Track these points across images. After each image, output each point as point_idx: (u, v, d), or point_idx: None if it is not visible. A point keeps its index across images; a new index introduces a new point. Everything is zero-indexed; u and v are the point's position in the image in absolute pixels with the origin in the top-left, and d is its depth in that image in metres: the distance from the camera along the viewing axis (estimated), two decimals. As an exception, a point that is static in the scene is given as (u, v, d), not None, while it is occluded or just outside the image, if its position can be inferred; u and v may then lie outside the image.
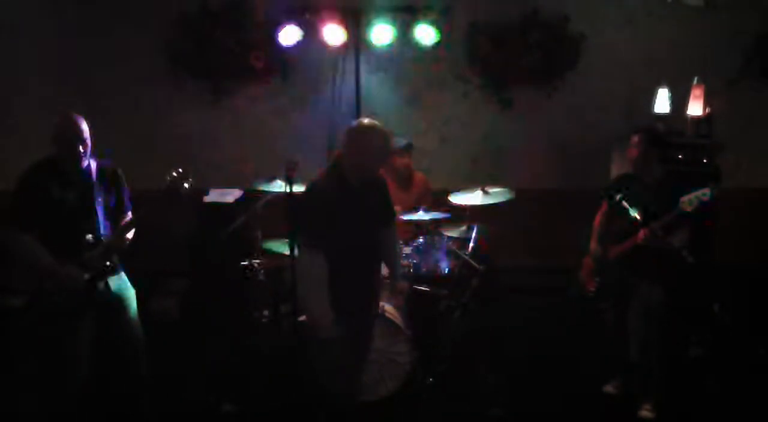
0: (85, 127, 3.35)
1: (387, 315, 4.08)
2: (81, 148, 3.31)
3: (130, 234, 3.53)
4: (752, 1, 5.77)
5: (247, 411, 4.07)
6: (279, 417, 4.03)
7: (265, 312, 4.68)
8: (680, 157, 4.97)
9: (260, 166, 5.27)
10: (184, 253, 5.51)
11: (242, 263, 4.70)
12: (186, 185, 3.43)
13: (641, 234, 3.86)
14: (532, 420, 4.13)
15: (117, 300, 3.49)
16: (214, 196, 5.29)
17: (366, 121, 3.33)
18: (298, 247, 3.34)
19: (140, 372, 3.58)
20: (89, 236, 3.36)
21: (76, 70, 5.77)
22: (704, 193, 3.73)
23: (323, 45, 5.56)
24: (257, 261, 4.68)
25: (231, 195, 5.29)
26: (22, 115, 5.77)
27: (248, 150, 5.94)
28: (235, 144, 5.98)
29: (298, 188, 3.49)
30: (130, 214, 3.59)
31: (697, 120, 5.08)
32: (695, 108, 5.09)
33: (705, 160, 4.96)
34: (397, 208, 4.33)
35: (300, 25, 5.39)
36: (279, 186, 4.51)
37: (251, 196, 4.98)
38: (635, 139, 4.03)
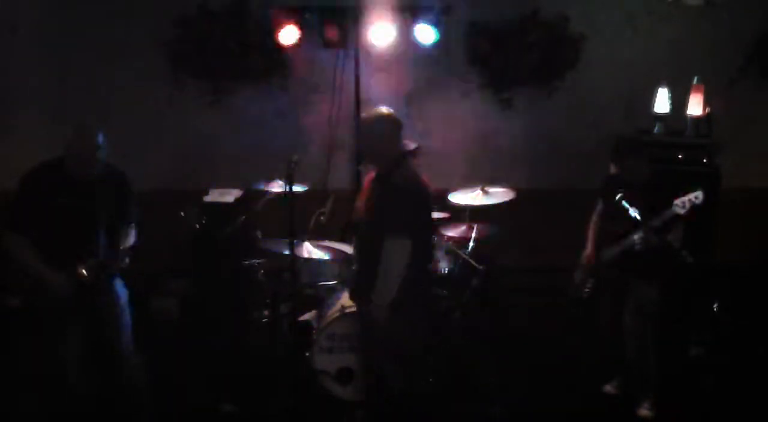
0: (100, 142, 3.28)
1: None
2: (91, 164, 3.27)
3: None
4: (752, 1, 5.77)
5: (247, 411, 4.07)
6: (279, 417, 4.03)
7: (265, 312, 4.68)
8: (680, 157, 4.97)
9: (260, 166, 5.26)
10: (184, 253, 5.51)
11: (242, 263, 4.71)
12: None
13: (636, 240, 3.86)
14: (532, 420, 4.13)
15: (106, 308, 3.46)
16: (214, 195, 5.30)
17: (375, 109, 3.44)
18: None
19: (131, 381, 3.56)
20: (91, 246, 3.33)
21: (76, 70, 5.77)
22: (696, 196, 3.74)
23: (323, 45, 5.56)
24: (257, 261, 4.68)
25: (231, 195, 5.30)
26: (22, 115, 5.77)
27: (248, 150, 5.94)
28: (235, 144, 5.98)
29: (298, 188, 3.49)
30: (133, 228, 3.57)
31: (697, 120, 5.08)
32: (695, 108, 5.08)
33: (705, 160, 4.96)
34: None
35: (300, 25, 5.39)
36: (279, 186, 4.52)
37: (251, 196, 4.98)
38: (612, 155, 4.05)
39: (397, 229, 3.20)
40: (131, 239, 3.58)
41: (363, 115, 3.48)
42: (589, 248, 4.21)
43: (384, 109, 3.41)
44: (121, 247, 3.48)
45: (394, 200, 3.25)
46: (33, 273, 3.28)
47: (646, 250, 3.85)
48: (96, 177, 3.34)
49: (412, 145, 4.90)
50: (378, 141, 3.34)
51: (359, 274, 3.52)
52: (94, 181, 3.33)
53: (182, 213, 3.50)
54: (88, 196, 3.32)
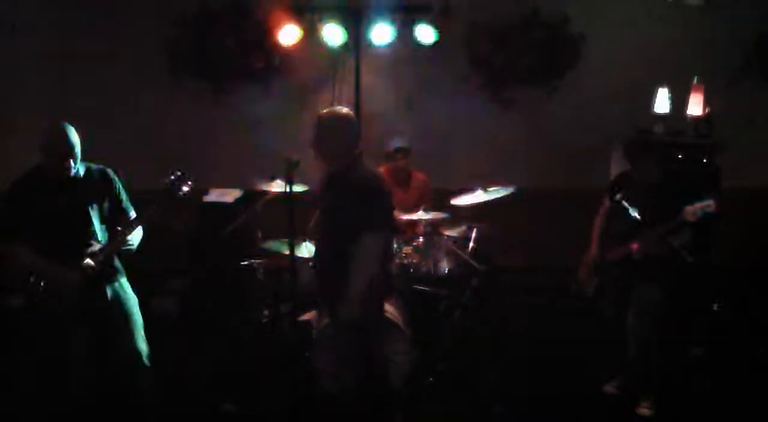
0: (74, 139, 3.27)
1: (387, 314, 4.07)
2: (69, 161, 3.25)
3: (134, 235, 3.46)
4: (752, 1, 5.77)
5: (247, 411, 4.07)
6: (279, 417, 4.03)
7: (265, 312, 4.68)
8: (680, 157, 4.97)
9: (260, 166, 5.26)
10: (184, 253, 5.51)
11: (242, 263, 4.70)
12: (185, 188, 3.42)
13: (636, 247, 3.86)
14: (532, 420, 4.13)
15: (113, 308, 3.45)
16: (214, 196, 5.29)
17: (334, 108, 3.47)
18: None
19: (139, 380, 3.54)
20: (89, 242, 3.33)
21: (76, 70, 5.77)
22: (708, 205, 3.75)
23: (323, 45, 5.56)
24: (257, 261, 4.68)
25: (231, 195, 5.30)
26: (22, 115, 5.77)
27: (248, 150, 5.94)
28: (235, 144, 5.98)
29: (298, 188, 3.48)
30: (132, 214, 3.53)
31: (697, 120, 5.08)
32: (695, 108, 5.08)
33: (705, 160, 4.96)
34: (396, 208, 4.33)
35: (300, 25, 5.39)
36: (279, 186, 4.51)
37: (251, 196, 4.98)
38: (620, 154, 4.05)
39: (373, 225, 3.24)
40: (133, 217, 3.52)
41: (321, 113, 3.43)
42: (593, 247, 4.21)
43: (343, 109, 3.46)
44: (123, 230, 3.41)
45: (362, 197, 3.27)
46: (41, 274, 3.29)
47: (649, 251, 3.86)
48: (78, 174, 3.34)
49: (398, 143, 4.90)
50: (338, 140, 3.34)
51: (327, 276, 3.48)
52: (76, 178, 3.34)
53: (164, 182, 3.44)
54: (74, 193, 3.32)
